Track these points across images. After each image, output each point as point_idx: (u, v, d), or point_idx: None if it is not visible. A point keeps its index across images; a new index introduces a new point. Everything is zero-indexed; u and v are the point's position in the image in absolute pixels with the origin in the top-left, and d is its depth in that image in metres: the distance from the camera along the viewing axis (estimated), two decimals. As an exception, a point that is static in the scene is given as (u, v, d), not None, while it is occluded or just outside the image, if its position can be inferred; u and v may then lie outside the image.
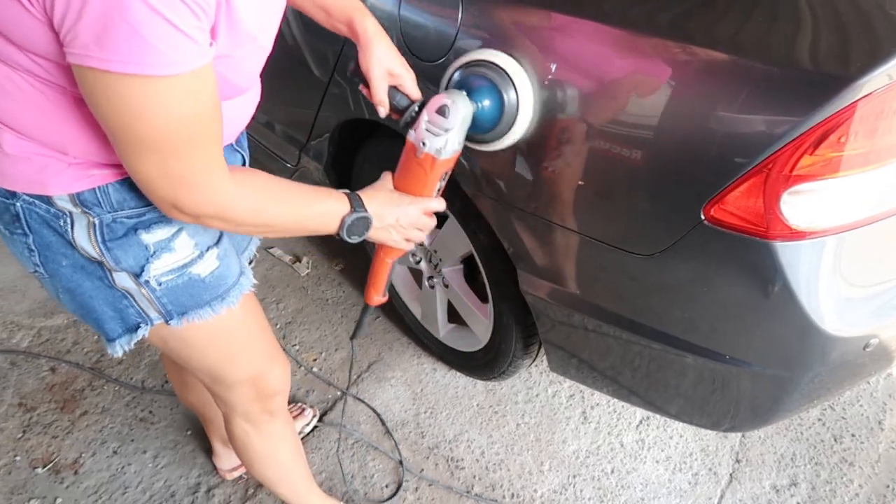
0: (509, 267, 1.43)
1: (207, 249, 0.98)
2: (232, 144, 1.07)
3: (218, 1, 0.69)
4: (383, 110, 1.08)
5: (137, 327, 0.98)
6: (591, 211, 1.19)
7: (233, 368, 1.13)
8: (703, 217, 1.02)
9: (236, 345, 1.11)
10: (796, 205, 0.97)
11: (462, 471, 1.75)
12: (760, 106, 0.95)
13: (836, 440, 1.79)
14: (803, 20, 0.94)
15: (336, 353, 2.09)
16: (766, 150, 0.94)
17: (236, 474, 1.71)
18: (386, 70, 1.07)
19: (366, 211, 0.99)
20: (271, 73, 1.81)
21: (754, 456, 1.76)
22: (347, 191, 0.99)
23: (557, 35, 1.12)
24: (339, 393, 1.96)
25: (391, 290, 2.06)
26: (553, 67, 1.11)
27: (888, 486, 1.68)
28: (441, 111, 1.03)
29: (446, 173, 1.10)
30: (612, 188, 1.14)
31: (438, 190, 1.11)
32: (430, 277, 1.84)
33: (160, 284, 0.94)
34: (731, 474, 1.73)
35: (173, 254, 0.94)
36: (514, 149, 1.21)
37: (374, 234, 1.04)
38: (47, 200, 0.85)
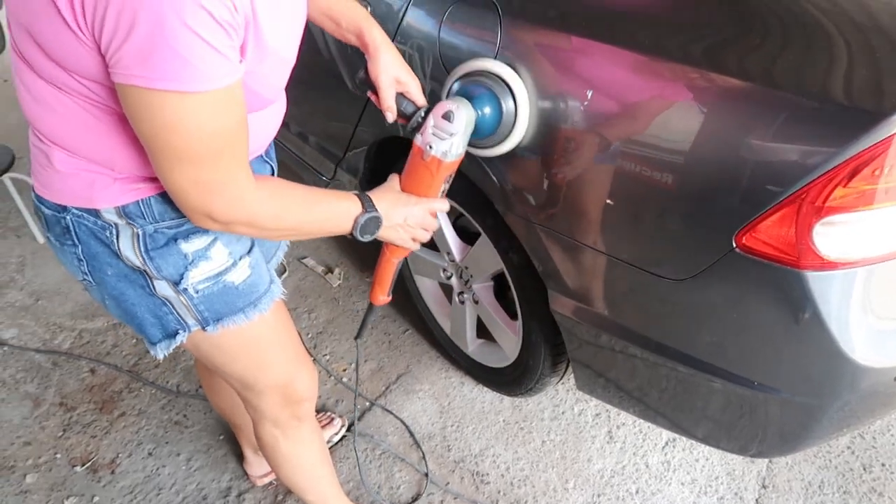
0: (539, 286, 1.45)
1: (240, 258, 1.04)
2: (262, 156, 1.12)
3: (247, 20, 0.75)
4: (391, 115, 1.13)
5: (176, 333, 1.04)
6: (622, 233, 1.21)
7: (263, 375, 1.17)
8: (734, 244, 1.04)
9: (266, 351, 1.16)
10: (828, 235, 0.98)
11: (487, 485, 1.77)
12: (795, 137, 0.97)
13: (865, 469, 1.77)
14: (838, 54, 0.96)
15: (365, 364, 2.12)
16: (800, 181, 0.96)
17: (266, 480, 1.75)
18: (393, 77, 1.12)
19: (376, 210, 1.04)
20: (311, 88, 1.87)
21: (781, 482, 1.75)
22: (358, 192, 1.05)
23: (584, 58, 1.15)
24: (367, 403, 1.99)
25: (423, 304, 2.09)
26: (588, 94, 1.14)
27: (918, 518, 1.66)
28: (446, 116, 1.09)
29: (450, 176, 1.16)
30: (644, 212, 1.16)
31: (443, 192, 1.17)
32: (461, 293, 1.86)
33: (197, 292, 1.00)
34: (757, 500, 1.72)
35: (209, 262, 1.00)
36: (545, 168, 1.24)
37: (383, 233, 1.09)
38: (95, 213, 0.92)
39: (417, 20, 1.47)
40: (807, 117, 0.95)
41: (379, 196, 1.08)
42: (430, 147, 1.10)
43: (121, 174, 0.89)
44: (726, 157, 1.02)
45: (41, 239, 2.64)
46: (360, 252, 2.59)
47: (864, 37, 0.96)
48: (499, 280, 1.78)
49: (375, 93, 1.13)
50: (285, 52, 0.87)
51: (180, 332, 1.04)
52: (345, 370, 2.09)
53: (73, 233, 0.94)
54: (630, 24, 1.13)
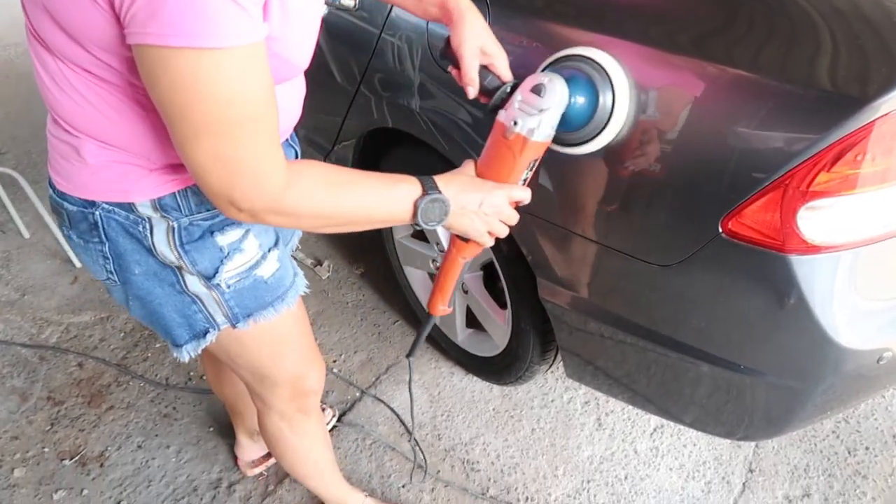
0: (529, 274, 1.46)
1: (269, 250, 1.02)
2: (287, 140, 1.08)
3: None
4: (473, 91, 1.01)
5: (205, 333, 1.02)
6: (610, 221, 1.22)
7: (279, 368, 1.16)
8: (720, 230, 1.05)
9: (287, 345, 1.14)
10: (813, 220, 0.99)
11: (478, 473, 1.78)
12: (779, 123, 0.98)
13: (850, 453, 1.80)
14: (821, 41, 0.97)
15: (355, 355, 2.12)
16: (785, 167, 0.97)
17: (257, 471, 1.75)
18: (478, 48, 1.00)
19: (440, 193, 0.91)
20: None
21: (767, 466, 1.78)
22: (420, 176, 0.93)
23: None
24: (357, 394, 1.99)
25: (413, 295, 2.10)
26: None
27: (901, 500, 1.69)
28: (537, 90, 0.96)
29: (535, 161, 1.02)
30: (632, 199, 1.16)
31: (525, 180, 1.03)
32: (450, 283, 1.87)
33: (229, 287, 0.98)
34: (744, 484, 1.74)
35: (243, 254, 0.98)
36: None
37: (454, 222, 0.96)
38: (128, 207, 0.89)
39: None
40: (791, 104, 0.97)
41: (447, 179, 0.95)
42: (515, 123, 0.96)
43: (156, 164, 0.86)
44: (713, 144, 1.03)
45: (27, 234, 2.62)
46: (350, 244, 2.59)
47: (846, 23, 0.97)
48: (488, 269, 1.79)
49: (456, 66, 1.01)
50: (309, 15, 0.81)
51: (210, 330, 1.02)
52: (334, 361, 2.09)
53: (101, 229, 0.90)
54: (617, 14, 1.13)
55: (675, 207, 1.11)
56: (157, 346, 2.14)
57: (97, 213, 0.89)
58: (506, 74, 1.02)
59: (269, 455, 1.76)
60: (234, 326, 1.02)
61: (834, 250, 1.02)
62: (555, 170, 1.24)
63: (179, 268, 0.94)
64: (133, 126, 0.81)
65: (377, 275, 2.44)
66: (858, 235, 1.03)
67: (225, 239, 0.95)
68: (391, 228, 2.01)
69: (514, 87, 0.99)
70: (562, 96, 0.98)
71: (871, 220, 1.03)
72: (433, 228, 0.94)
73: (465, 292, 1.82)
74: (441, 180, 0.93)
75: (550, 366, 1.78)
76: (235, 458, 1.78)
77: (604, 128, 1.06)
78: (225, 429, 1.86)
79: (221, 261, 0.95)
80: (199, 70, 0.66)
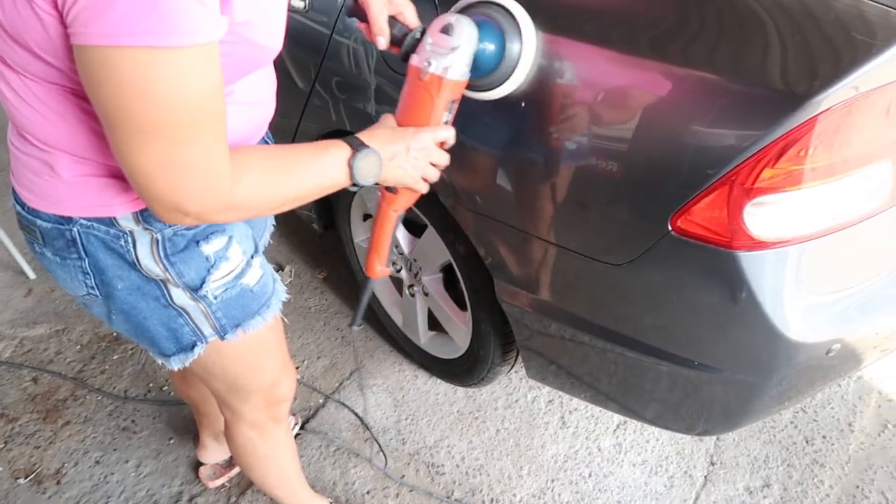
0: (486, 276, 1.46)
1: (252, 257, 1.00)
2: (264, 136, 1.05)
3: None
4: (383, 40, 0.99)
5: (193, 346, 1.00)
6: (564, 221, 1.22)
7: (255, 377, 1.14)
8: (670, 228, 1.06)
9: (265, 353, 1.12)
10: (759, 216, 1.01)
11: (442, 476, 1.78)
12: (725, 121, 0.99)
13: (807, 442, 1.83)
14: (767, 38, 0.97)
15: (318, 360, 2.10)
16: (730, 164, 0.98)
17: (219, 482, 1.72)
18: None
19: (367, 147, 0.89)
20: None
21: (728, 458, 1.80)
22: (344, 137, 0.90)
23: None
24: (321, 400, 1.97)
25: (374, 299, 2.08)
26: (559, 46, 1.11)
27: (857, 487, 1.72)
28: (445, 30, 0.97)
29: (453, 103, 1.01)
30: (585, 199, 1.17)
31: (446, 123, 1.02)
32: (411, 286, 1.86)
33: (216, 297, 0.96)
34: (705, 477, 1.76)
35: (229, 263, 0.96)
36: (490, 159, 1.24)
37: (387, 173, 0.94)
38: (108, 222, 0.85)
39: None
40: (735, 101, 0.98)
41: (369, 133, 0.93)
42: (429, 63, 0.96)
43: None
44: (663, 143, 1.04)
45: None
46: (311, 249, 2.56)
47: (791, 20, 0.98)
48: (448, 272, 1.78)
49: (365, 20, 1.00)
50: None
51: (198, 343, 0.99)
52: (297, 367, 2.07)
53: (79, 245, 0.87)
54: (573, 14, 1.13)
55: (625, 206, 1.12)
56: (115, 357, 2.10)
57: (75, 229, 0.85)
58: (414, 22, 1.01)
59: (231, 465, 1.73)
60: (222, 338, 1.00)
61: (781, 245, 1.04)
62: (507, 170, 1.24)
63: (164, 281, 0.92)
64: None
65: (339, 279, 2.42)
66: (805, 230, 1.05)
67: (210, 248, 0.93)
68: (350, 232, 1.99)
69: (423, 33, 0.99)
70: (470, 34, 0.98)
71: (817, 215, 1.04)
72: (370, 185, 0.92)
73: (426, 295, 1.82)
74: (365, 135, 0.92)
75: (512, 366, 1.78)
76: (196, 471, 1.75)
77: (510, 75, 1.07)
78: (186, 440, 1.83)
79: (208, 270, 0.93)
80: (153, 72, 0.62)
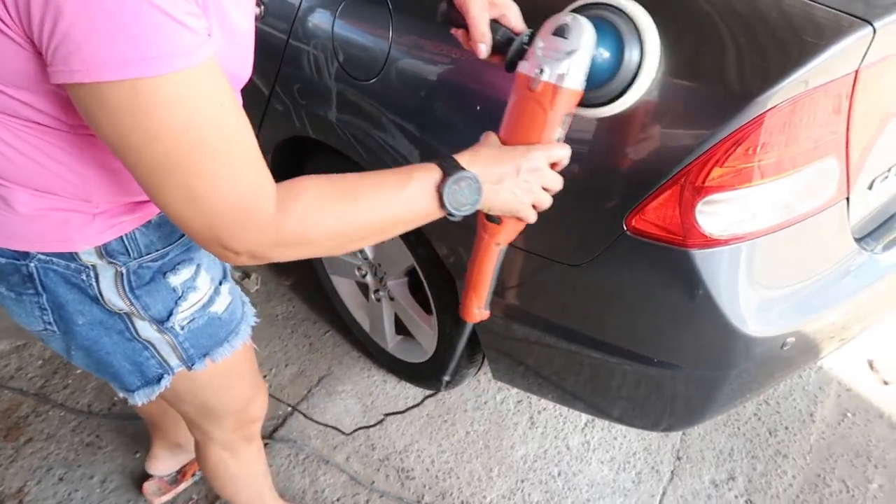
0: (449, 279, 1.46)
1: (220, 283, 0.97)
2: None
3: None
4: (485, 48, 0.87)
5: (160, 378, 0.96)
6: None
7: (227, 400, 1.12)
8: (625, 227, 1.07)
9: (234, 376, 1.09)
10: (711, 214, 1.02)
11: (412, 481, 1.77)
12: (676, 120, 1.00)
13: (771, 433, 1.87)
14: (725, 41, 0.98)
15: (286, 368, 2.09)
16: (680, 163, 0.99)
17: (164, 499, 1.68)
18: (486, 0, 0.87)
19: (465, 170, 0.77)
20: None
21: (694, 452, 1.82)
22: (437, 159, 0.79)
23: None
24: (289, 409, 1.96)
25: (341, 304, 2.07)
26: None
27: (819, 476, 1.76)
28: (560, 31, 0.83)
29: (567, 116, 0.88)
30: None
31: (559, 139, 0.89)
32: (377, 290, 1.86)
33: (182, 328, 0.92)
34: (672, 471, 1.78)
35: (197, 292, 0.92)
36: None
37: (492, 200, 0.82)
38: (68, 257, 0.81)
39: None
40: (685, 100, 0.99)
41: (470, 154, 0.81)
42: (542, 71, 0.83)
43: (99, 208, 0.78)
44: (616, 143, 1.05)
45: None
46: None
47: (748, 24, 0.99)
48: (413, 275, 1.78)
49: (460, 26, 0.88)
50: (246, 21, 0.73)
51: (165, 375, 0.96)
52: (265, 376, 2.05)
53: (36, 280, 0.82)
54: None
55: (581, 207, 1.13)
56: (78, 371, 2.06)
57: (32, 264, 0.81)
58: (520, 25, 0.89)
59: (177, 481, 1.70)
60: (189, 368, 0.97)
61: (733, 242, 1.06)
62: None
63: (129, 314, 0.88)
64: (68, 168, 0.73)
65: (307, 285, 2.40)
66: (756, 227, 1.06)
67: (178, 279, 0.89)
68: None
69: (532, 37, 0.87)
70: (589, 36, 0.83)
71: (767, 212, 1.06)
72: (468, 214, 0.80)
73: (392, 299, 1.82)
74: (463, 157, 0.80)
75: (479, 369, 1.79)
76: (140, 486, 1.70)
77: (629, 86, 0.90)
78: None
79: (176, 302, 0.90)
80: (143, 103, 0.57)
